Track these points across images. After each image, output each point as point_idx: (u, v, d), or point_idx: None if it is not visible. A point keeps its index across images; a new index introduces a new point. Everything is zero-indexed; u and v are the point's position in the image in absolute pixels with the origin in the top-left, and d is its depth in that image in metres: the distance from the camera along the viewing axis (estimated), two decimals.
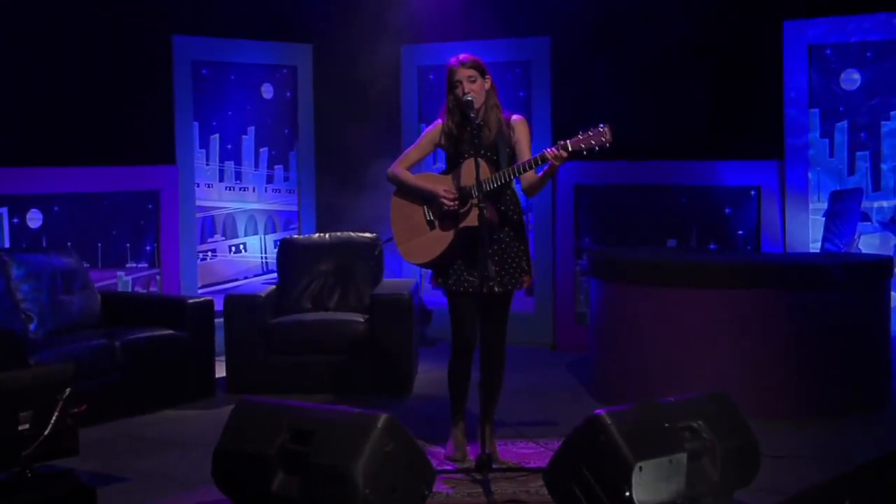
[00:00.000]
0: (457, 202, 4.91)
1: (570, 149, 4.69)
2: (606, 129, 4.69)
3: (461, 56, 4.97)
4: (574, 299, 8.32)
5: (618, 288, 6.36)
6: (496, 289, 4.88)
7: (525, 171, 4.80)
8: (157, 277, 7.96)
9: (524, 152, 5.01)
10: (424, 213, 5.04)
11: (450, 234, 4.95)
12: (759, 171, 7.64)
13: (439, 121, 5.11)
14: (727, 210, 7.75)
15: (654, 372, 6.07)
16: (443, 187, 4.95)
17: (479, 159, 4.75)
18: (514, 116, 5.09)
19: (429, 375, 7.12)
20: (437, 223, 5.00)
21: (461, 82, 4.91)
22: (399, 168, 5.15)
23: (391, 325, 6.67)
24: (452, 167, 5.05)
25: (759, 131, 7.65)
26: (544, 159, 4.73)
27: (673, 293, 6.05)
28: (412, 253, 5.07)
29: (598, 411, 3.93)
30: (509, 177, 4.82)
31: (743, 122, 7.72)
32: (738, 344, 5.92)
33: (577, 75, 8.27)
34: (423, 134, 5.22)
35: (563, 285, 8.35)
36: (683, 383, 5.75)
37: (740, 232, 7.70)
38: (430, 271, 5.18)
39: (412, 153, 5.20)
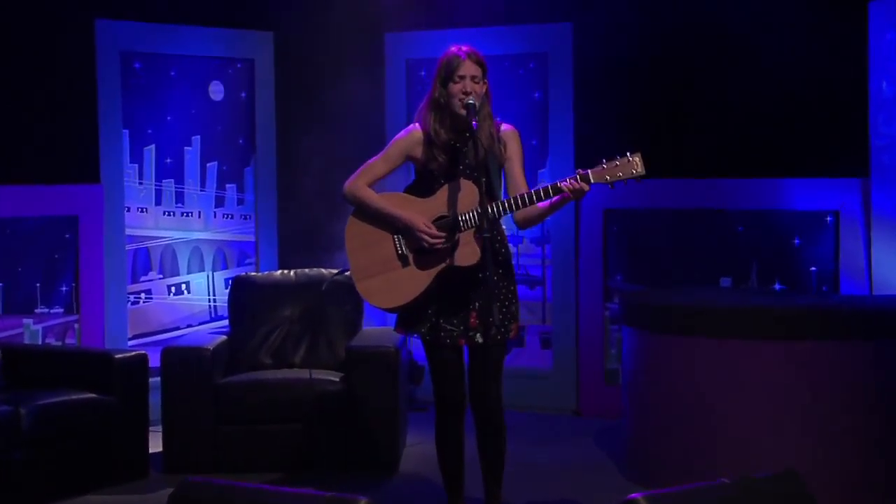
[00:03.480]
0: (442, 240, 4.92)
1: (591, 180, 4.77)
2: (636, 158, 4.76)
3: (465, 47, 5.01)
4: (602, 353, 8.31)
5: (658, 339, 6.35)
6: (479, 339, 4.92)
7: (534, 201, 4.84)
8: (76, 326, 7.95)
9: (516, 173, 5.08)
10: (395, 245, 5.05)
11: (430, 274, 4.96)
12: (836, 191, 7.65)
13: (416, 126, 5.12)
14: (796, 241, 7.76)
15: (705, 444, 6.05)
16: (422, 218, 4.96)
17: (482, 182, 4.77)
18: (504, 126, 5.13)
19: (419, 448, 7.09)
20: (411, 259, 5.01)
21: (465, 79, 4.93)
22: (360, 184, 5.16)
23: (372, 385, 6.66)
24: (429, 187, 5.06)
25: (836, 141, 7.67)
26: (558, 190, 4.78)
27: (727, 346, 6.03)
28: (376, 293, 5.07)
29: (633, 496, 3.91)
30: (518, 206, 4.85)
31: (816, 129, 7.73)
32: (811, 410, 5.89)
33: (606, 71, 8.29)
34: (392, 142, 5.23)
35: (589, 335, 8.34)
36: (742, 459, 5.73)
37: (813, 268, 7.70)
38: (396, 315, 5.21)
39: (378, 166, 5.20)
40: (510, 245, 5.26)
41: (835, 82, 7.71)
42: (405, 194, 5.14)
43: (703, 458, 6.01)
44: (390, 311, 5.17)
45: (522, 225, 5.10)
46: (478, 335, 4.91)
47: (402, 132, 5.18)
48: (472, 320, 4.95)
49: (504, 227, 5.24)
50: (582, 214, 8.27)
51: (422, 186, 5.10)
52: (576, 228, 8.34)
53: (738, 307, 6.21)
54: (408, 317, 5.10)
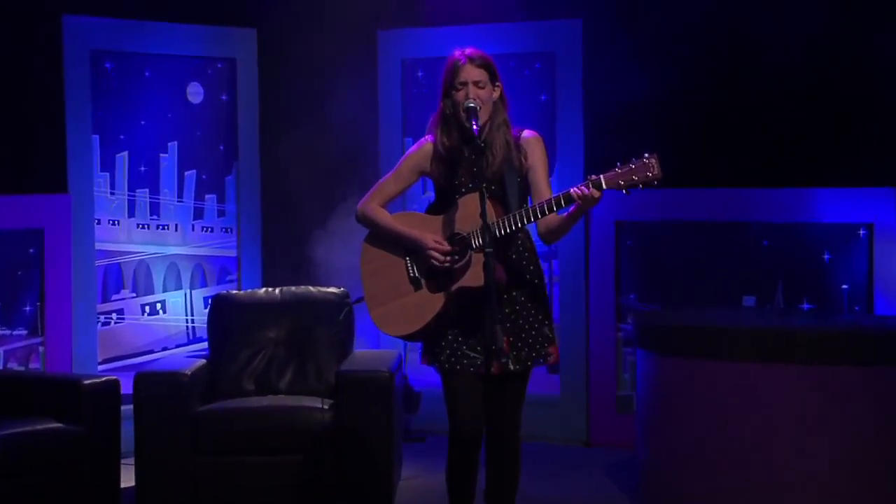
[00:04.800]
0: (450, 258, 4.92)
1: (604, 186, 4.74)
2: (653, 160, 4.73)
3: (468, 50, 5.00)
4: (615, 378, 8.30)
5: (675, 363, 6.34)
6: (511, 366, 4.87)
7: (545, 213, 4.83)
8: (40, 349, 7.93)
9: (539, 182, 5.05)
10: (407, 268, 5.05)
11: (442, 297, 4.97)
12: (870, 201, 7.64)
13: (427, 138, 5.13)
14: (826, 256, 7.75)
15: (727, 479, 6.04)
16: (432, 235, 4.97)
17: (484, 194, 4.75)
18: (526, 133, 5.12)
19: (416, 482, 7.08)
20: (424, 281, 5.02)
21: (466, 85, 4.93)
22: (372, 205, 5.17)
23: (364, 413, 6.63)
24: (445, 204, 5.07)
25: (870, 146, 7.66)
26: (569, 199, 4.77)
27: (751, 371, 6.02)
28: (389, 320, 5.07)
29: None
30: (526, 220, 4.84)
31: (848, 133, 7.73)
32: (843, 441, 5.88)
33: (618, 71, 8.28)
34: (403, 158, 5.24)
35: (600, 359, 8.34)
36: (768, 495, 5.72)
37: (844, 286, 7.69)
38: (418, 344, 5.20)
39: (389, 184, 5.22)
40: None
41: (868, 82, 7.71)
42: (420, 213, 5.16)
43: (725, 493, 6.00)
44: (405, 338, 5.18)
45: (547, 238, 5.07)
46: (507, 361, 4.86)
47: (414, 146, 5.19)
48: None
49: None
50: (592, 227, 8.26)
51: (440, 203, 5.11)
52: (585, 242, 8.33)
53: (763, 329, 6.20)
54: (431, 346, 5.08)
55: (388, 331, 5.11)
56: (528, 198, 5.06)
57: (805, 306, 7.77)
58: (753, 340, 6.08)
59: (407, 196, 7.55)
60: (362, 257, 5.18)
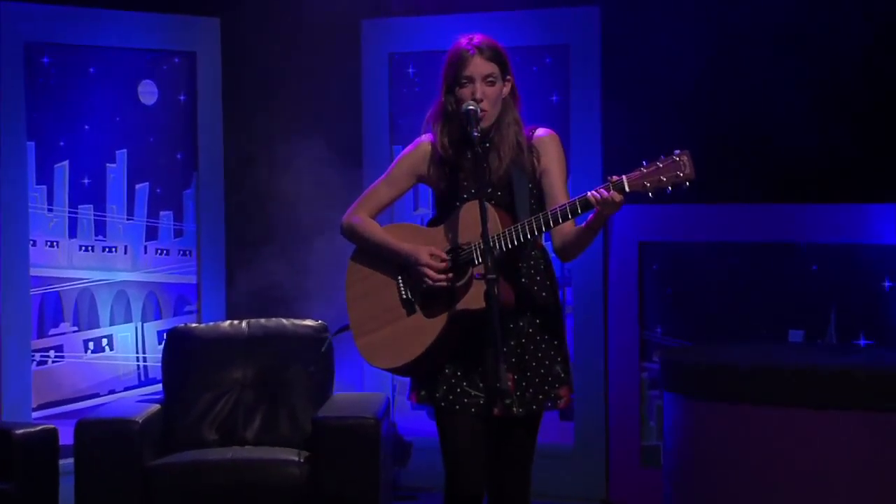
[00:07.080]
0: (448, 275, 4.89)
1: (626, 188, 4.66)
2: (685, 157, 4.67)
3: (476, 38, 4.96)
4: (638, 426, 8.28)
5: (709, 409, 6.32)
6: (515, 409, 4.83)
7: (558, 222, 4.77)
8: None
9: (555, 186, 5.03)
10: (399, 289, 5.02)
11: (438, 323, 4.92)
12: None
13: (425, 137, 5.11)
14: (886, 283, 7.73)
15: None
16: (428, 249, 4.93)
17: (484, 204, 4.70)
18: (539, 132, 5.11)
19: None
20: (418, 305, 4.98)
21: (473, 80, 4.89)
22: (360, 215, 5.15)
23: (346, 466, 6.64)
24: (444, 213, 5.04)
25: None
26: (586, 205, 4.70)
27: (798, 418, 6.00)
28: (378, 350, 5.05)
29: None
30: (533, 231, 4.79)
31: None
32: None
33: (641, 67, 8.30)
34: (397, 159, 5.22)
35: (621, 404, 8.32)
36: None
37: None
38: (407, 379, 5.17)
39: (380, 190, 5.20)
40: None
41: None
42: (414, 224, 5.14)
43: None
44: (395, 372, 5.13)
45: (564, 254, 5.01)
46: (511, 403, 4.78)
47: (410, 146, 5.17)
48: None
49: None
50: (612, 249, 8.24)
51: (440, 213, 5.10)
52: (604, 267, 8.31)
53: (813, 368, 6.18)
54: (424, 381, 5.03)
55: (375, 363, 5.07)
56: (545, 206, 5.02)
57: (862, 342, 7.75)
58: (801, 382, 6.06)
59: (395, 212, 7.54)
60: (348, 278, 5.15)
